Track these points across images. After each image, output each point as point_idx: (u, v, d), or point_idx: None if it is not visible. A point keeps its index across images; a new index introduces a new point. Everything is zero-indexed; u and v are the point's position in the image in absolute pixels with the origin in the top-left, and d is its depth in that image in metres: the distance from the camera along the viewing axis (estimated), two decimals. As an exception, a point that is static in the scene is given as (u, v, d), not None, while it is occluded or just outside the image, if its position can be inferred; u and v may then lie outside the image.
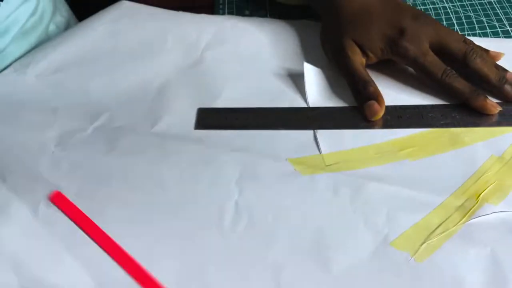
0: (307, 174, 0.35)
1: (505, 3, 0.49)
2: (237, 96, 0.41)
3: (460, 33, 0.45)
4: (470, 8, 0.48)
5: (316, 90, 0.41)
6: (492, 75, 0.38)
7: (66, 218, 0.33)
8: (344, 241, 0.31)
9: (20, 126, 0.40)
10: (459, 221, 0.31)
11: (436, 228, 0.31)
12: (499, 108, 0.37)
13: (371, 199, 0.33)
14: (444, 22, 0.47)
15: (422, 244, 0.30)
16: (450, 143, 0.37)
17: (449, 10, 0.48)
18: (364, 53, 0.40)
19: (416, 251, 0.30)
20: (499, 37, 0.46)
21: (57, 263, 0.31)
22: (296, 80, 0.42)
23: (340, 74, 0.41)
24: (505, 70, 0.39)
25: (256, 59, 0.44)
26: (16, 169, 0.36)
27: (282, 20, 0.48)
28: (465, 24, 0.47)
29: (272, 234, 0.32)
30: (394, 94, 0.40)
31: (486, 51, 0.40)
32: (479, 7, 0.48)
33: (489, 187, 0.33)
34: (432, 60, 0.38)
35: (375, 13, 0.40)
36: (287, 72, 0.43)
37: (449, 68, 0.38)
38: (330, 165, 0.36)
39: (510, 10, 0.48)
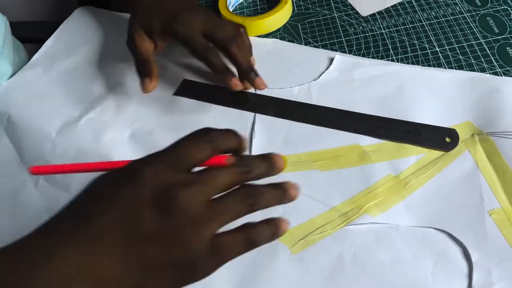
0: None
1: (435, 25, 0.54)
2: None
3: (380, 56, 0.52)
4: (404, 32, 0.54)
5: None
6: (244, 63, 0.45)
7: (52, 189, 0.46)
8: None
9: (35, 116, 0.53)
10: (338, 225, 0.39)
11: (316, 229, 0.39)
12: (239, 88, 0.45)
13: None
14: (381, 48, 0.53)
15: (300, 240, 0.39)
16: (358, 160, 0.44)
17: (385, 36, 0.54)
18: (151, 38, 0.48)
19: (294, 245, 0.39)
20: (429, 58, 0.51)
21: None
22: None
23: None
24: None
25: None
26: (29, 151, 0.50)
27: None
28: (399, 48, 0.53)
29: None
30: None
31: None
32: (412, 30, 0.54)
33: (375, 201, 0.40)
34: (198, 40, 0.46)
35: (161, 4, 0.48)
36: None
37: (213, 47, 0.46)
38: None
39: (439, 31, 0.53)
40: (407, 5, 0.57)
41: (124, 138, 0.49)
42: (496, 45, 0.51)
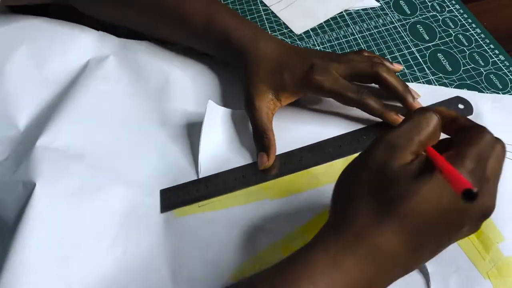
0: (180, 216, 0.43)
1: (368, 37, 0.55)
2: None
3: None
4: (338, 47, 0.55)
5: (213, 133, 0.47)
6: (398, 86, 0.43)
7: None
8: None
9: None
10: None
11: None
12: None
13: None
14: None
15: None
16: (307, 184, 0.43)
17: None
18: (278, 95, 0.45)
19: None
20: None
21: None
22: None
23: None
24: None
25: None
26: None
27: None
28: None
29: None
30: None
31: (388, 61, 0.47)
32: (345, 44, 0.55)
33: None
34: (345, 84, 0.43)
35: (285, 58, 0.45)
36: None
37: (361, 86, 0.44)
38: (203, 205, 0.43)
39: (372, 43, 0.54)
40: (339, 19, 0.57)
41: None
42: (427, 53, 0.52)
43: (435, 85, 0.49)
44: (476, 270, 0.36)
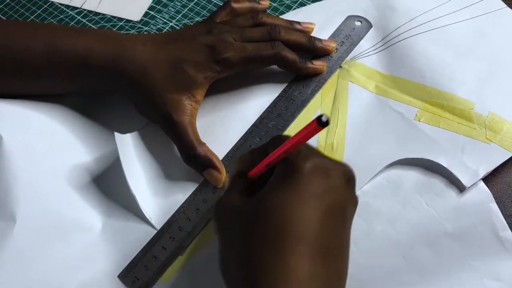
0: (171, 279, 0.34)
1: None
2: None
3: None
4: (189, 14, 0.48)
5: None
6: (302, 39, 0.41)
7: None
8: None
9: None
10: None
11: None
12: (326, 64, 0.41)
13: None
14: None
15: None
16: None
17: (173, 25, 0.47)
18: (192, 95, 0.37)
19: None
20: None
21: None
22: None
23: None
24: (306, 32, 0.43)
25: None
26: None
27: None
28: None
29: None
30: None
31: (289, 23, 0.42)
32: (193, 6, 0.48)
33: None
34: (255, 46, 0.38)
35: (175, 52, 0.37)
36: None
37: (272, 41, 0.39)
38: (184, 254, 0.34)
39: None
40: (171, -14, 0.50)
41: None
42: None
43: (309, 4, 0.47)
44: (476, 140, 0.36)
